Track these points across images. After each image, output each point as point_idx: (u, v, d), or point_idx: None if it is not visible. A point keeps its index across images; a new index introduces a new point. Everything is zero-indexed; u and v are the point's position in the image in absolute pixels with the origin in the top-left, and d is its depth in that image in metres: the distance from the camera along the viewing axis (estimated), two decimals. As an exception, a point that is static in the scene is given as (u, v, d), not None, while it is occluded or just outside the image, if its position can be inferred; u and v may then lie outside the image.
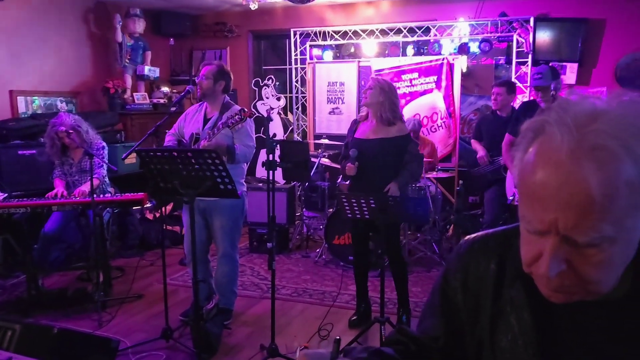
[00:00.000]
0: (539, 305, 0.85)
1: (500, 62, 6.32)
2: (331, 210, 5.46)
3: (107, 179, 4.65)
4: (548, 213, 0.71)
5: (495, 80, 6.34)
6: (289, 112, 7.31)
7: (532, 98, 4.96)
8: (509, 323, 0.89)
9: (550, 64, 4.80)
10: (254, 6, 5.94)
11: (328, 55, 6.82)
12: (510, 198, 3.95)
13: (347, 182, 3.84)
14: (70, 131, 4.32)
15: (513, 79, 5.84)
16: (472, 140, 5.25)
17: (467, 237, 1.01)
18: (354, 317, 3.87)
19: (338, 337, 1.02)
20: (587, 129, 0.69)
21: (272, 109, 7.02)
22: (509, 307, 0.89)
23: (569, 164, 0.68)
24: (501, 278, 0.92)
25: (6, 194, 4.51)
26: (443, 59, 6.00)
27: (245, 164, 3.85)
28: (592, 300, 0.78)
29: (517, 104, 5.81)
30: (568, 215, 0.70)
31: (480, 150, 4.94)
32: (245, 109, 3.36)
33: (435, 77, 6.05)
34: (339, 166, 5.70)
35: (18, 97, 5.72)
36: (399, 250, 3.82)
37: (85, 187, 4.30)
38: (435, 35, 6.26)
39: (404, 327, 1.10)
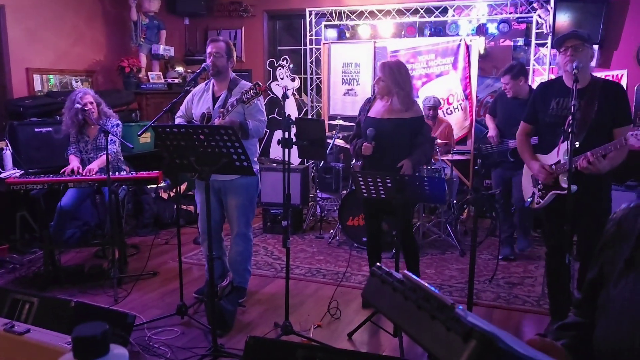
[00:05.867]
0: None
1: (519, 43, 6.21)
2: (345, 191, 5.45)
3: (121, 157, 4.67)
4: None
5: (512, 61, 6.26)
6: (303, 93, 7.27)
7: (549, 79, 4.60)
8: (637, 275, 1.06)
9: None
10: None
11: (343, 35, 6.75)
12: (529, 200, 3.38)
13: (360, 163, 3.78)
14: (92, 101, 4.40)
15: (532, 62, 5.76)
16: (487, 116, 5.15)
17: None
18: (368, 297, 3.86)
19: None
20: None
21: (287, 89, 6.98)
22: None
23: None
24: None
25: (23, 171, 4.55)
26: (460, 40, 5.92)
27: (258, 143, 3.83)
28: None
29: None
30: None
31: (492, 129, 4.88)
32: (260, 83, 3.33)
33: (452, 59, 5.97)
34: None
35: (34, 75, 5.75)
36: (411, 231, 3.80)
37: (94, 165, 4.33)
38: (453, 15, 6.16)
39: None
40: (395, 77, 3.51)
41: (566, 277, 3.11)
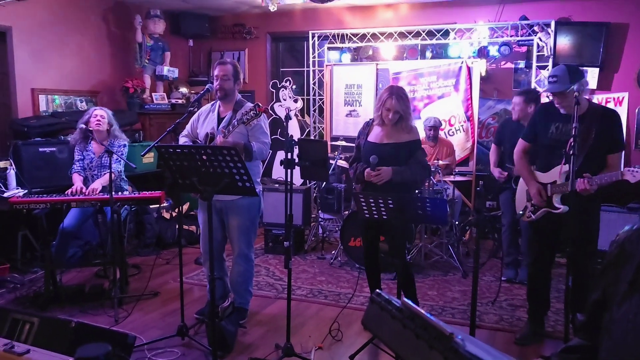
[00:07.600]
0: None
1: (520, 66, 6.25)
2: (347, 212, 5.45)
3: (124, 176, 4.69)
4: None
5: (514, 84, 6.31)
6: (306, 114, 7.31)
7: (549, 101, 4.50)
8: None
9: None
10: (273, 8, 5.92)
11: (346, 57, 6.82)
12: (520, 212, 3.57)
13: (359, 185, 3.73)
14: (104, 115, 4.54)
15: (533, 84, 5.79)
16: (492, 146, 5.01)
17: None
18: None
19: None
20: None
21: (289, 110, 7.03)
22: None
23: None
24: None
25: (26, 190, 4.57)
26: (462, 63, 5.97)
27: (262, 164, 3.84)
28: None
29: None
30: None
31: (497, 172, 4.78)
32: (260, 104, 3.34)
33: (453, 81, 6.02)
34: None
35: (39, 96, 5.80)
36: (403, 252, 3.73)
37: (98, 184, 4.35)
38: (455, 38, 6.23)
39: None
40: (407, 105, 3.52)
41: (545, 285, 3.60)
